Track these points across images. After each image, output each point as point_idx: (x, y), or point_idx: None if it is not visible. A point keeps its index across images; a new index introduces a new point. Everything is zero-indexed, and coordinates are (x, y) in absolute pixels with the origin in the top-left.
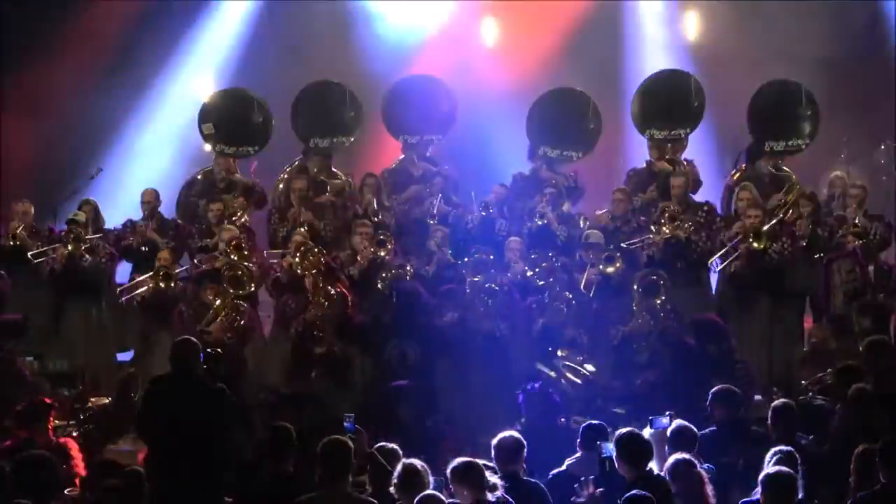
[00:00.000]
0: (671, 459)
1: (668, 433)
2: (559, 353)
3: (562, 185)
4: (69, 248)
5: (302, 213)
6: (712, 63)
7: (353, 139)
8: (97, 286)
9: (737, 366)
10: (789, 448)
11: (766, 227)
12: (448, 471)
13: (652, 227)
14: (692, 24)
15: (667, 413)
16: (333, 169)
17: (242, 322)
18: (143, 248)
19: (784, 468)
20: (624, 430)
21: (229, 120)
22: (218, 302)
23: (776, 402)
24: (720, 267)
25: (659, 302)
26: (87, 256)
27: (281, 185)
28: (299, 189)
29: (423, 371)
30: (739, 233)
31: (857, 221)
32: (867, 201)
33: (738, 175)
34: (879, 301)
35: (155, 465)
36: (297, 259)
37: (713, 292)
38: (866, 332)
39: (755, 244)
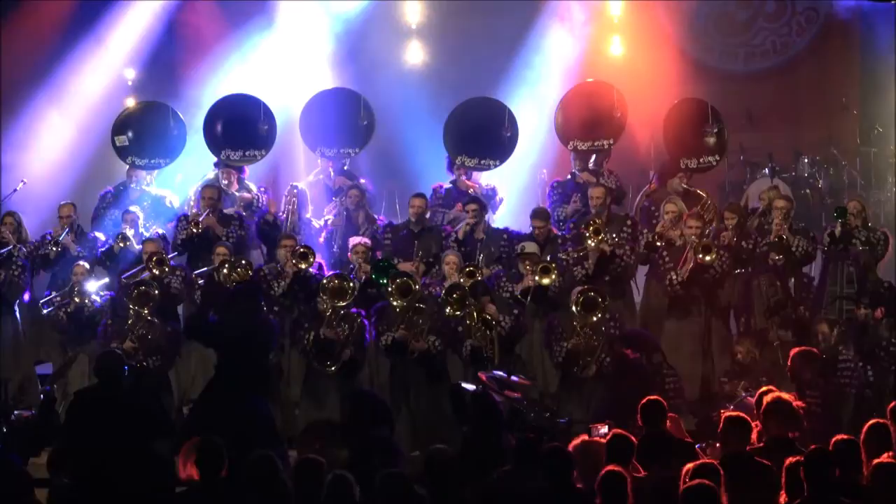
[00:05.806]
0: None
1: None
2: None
3: (482, 197)
4: None
5: (206, 217)
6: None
7: (265, 153)
8: (10, 299)
9: (668, 378)
10: (711, 461)
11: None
12: None
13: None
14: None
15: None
16: (247, 182)
17: (150, 336)
18: (56, 248)
19: (705, 481)
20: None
21: (144, 132)
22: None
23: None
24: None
25: (596, 318)
26: (0, 270)
27: (192, 196)
28: (210, 196)
29: None
30: (658, 239)
31: (783, 236)
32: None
33: (652, 192)
34: (800, 314)
35: (79, 478)
36: (224, 272)
37: (636, 306)
38: (788, 346)
39: (706, 258)
